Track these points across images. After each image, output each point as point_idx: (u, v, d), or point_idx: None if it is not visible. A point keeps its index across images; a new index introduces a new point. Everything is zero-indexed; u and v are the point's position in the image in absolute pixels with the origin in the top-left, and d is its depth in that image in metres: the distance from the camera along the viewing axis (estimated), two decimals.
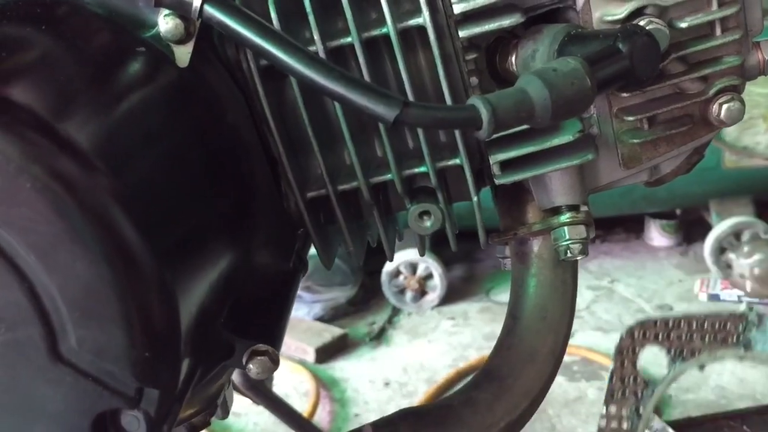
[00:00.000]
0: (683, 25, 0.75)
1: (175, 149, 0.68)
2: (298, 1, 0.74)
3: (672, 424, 1.46)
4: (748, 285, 3.54)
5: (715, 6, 0.75)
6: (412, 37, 0.77)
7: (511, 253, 0.91)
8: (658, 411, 1.42)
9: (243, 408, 2.82)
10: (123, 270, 0.56)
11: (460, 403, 0.87)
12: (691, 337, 1.43)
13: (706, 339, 1.42)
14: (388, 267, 3.82)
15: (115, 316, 0.56)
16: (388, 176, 0.80)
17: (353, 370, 3.44)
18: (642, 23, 0.73)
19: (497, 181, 0.81)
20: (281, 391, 2.76)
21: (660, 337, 1.44)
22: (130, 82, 0.68)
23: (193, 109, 0.72)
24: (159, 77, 0.70)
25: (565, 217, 0.82)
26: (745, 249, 3.57)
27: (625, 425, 1.46)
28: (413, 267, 3.87)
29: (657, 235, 4.30)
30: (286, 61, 0.63)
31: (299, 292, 0.94)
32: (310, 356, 3.49)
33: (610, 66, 0.67)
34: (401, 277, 3.89)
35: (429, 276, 3.89)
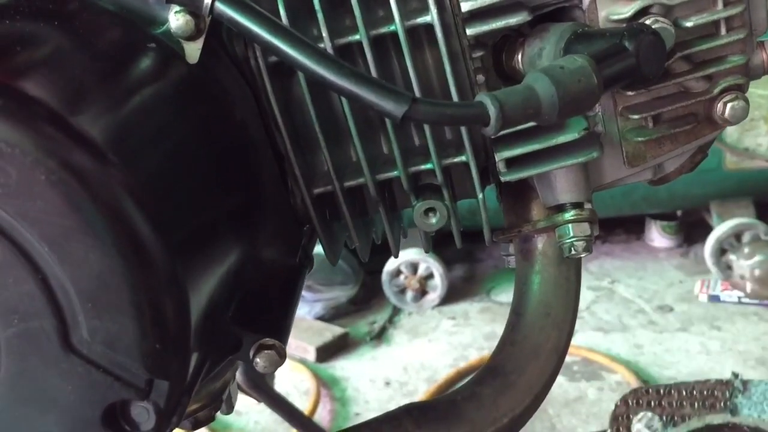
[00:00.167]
0: (688, 24, 0.76)
1: (185, 144, 0.69)
2: None
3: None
4: (749, 286, 3.54)
5: (720, 5, 0.76)
6: (420, 35, 0.78)
7: (516, 251, 0.92)
8: None
9: (244, 406, 2.83)
10: (135, 262, 0.57)
11: (464, 399, 0.87)
12: (681, 404, 1.51)
13: (695, 405, 1.50)
14: (389, 266, 3.83)
15: (126, 307, 0.57)
16: (395, 173, 0.80)
17: (354, 369, 3.45)
18: (648, 22, 0.73)
19: (503, 178, 0.81)
20: (282, 389, 2.76)
21: (652, 404, 1.52)
22: (141, 77, 0.69)
23: (202, 105, 0.73)
24: (169, 73, 0.71)
25: (569, 215, 0.83)
26: (746, 250, 3.57)
27: None
28: (414, 267, 3.87)
29: (657, 236, 4.31)
30: (296, 58, 0.64)
31: None
32: (311, 355, 3.50)
33: (617, 64, 0.68)
34: (402, 277, 3.90)
35: (430, 276, 3.89)
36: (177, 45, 0.71)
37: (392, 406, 0.88)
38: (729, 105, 0.79)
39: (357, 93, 0.63)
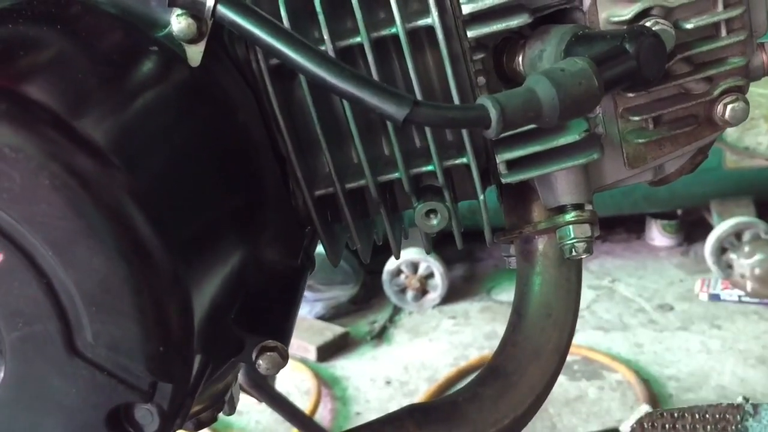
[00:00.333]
0: (689, 26, 0.76)
1: (188, 147, 0.69)
2: (308, 1, 0.75)
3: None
4: (749, 285, 3.54)
5: (720, 7, 0.76)
6: (421, 37, 0.78)
7: (517, 252, 0.92)
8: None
9: (245, 406, 2.83)
10: (138, 265, 0.57)
11: (466, 400, 0.88)
12: (694, 427, 1.55)
13: (708, 428, 1.54)
14: (390, 266, 3.83)
15: (130, 310, 0.57)
16: (396, 175, 0.81)
17: (354, 369, 3.45)
18: (648, 24, 0.73)
19: (504, 180, 0.81)
20: (283, 389, 2.76)
21: (667, 427, 1.56)
22: (144, 80, 0.69)
23: (204, 108, 0.73)
24: (171, 76, 0.71)
25: (570, 216, 0.83)
26: (746, 249, 3.57)
27: None
28: (414, 266, 3.87)
29: (658, 235, 4.31)
30: (297, 61, 0.64)
31: None
32: (312, 355, 3.50)
33: (617, 66, 0.68)
34: (402, 276, 3.90)
35: (430, 275, 3.89)
36: (179, 48, 0.71)
37: (393, 406, 0.88)
38: (729, 106, 0.79)
39: (358, 96, 0.63)
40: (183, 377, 0.62)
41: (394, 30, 0.76)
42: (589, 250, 0.83)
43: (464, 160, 0.80)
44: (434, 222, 0.82)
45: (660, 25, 0.73)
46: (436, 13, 0.75)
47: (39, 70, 0.61)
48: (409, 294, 3.91)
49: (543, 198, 0.85)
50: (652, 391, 3.02)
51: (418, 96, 0.77)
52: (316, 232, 0.85)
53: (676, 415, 1.53)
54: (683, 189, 3.66)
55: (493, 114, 0.62)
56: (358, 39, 0.76)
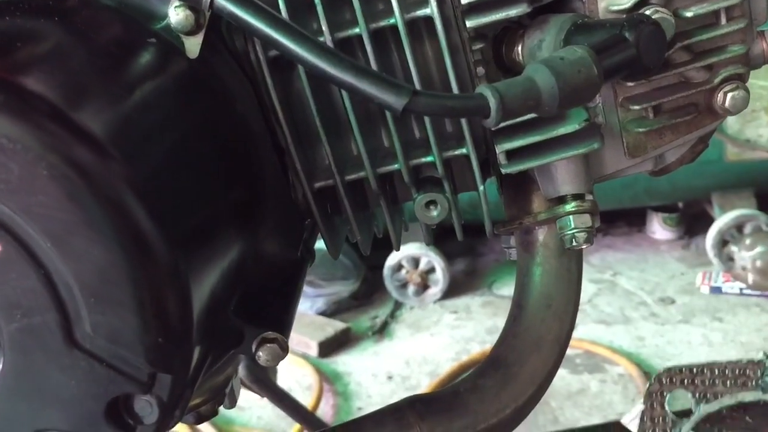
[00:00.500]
0: (689, 14, 0.76)
1: (187, 138, 0.69)
2: None
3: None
4: (750, 277, 3.55)
5: None
6: (419, 28, 0.77)
7: (517, 243, 0.92)
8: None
9: (247, 402, 2.84)
10: (137, 256, 0.57)
11: (467, 391, 0.88)
12: (713, 382, 1.57)
13: (728, 384, 1.55)
14: (391, 261, 3.83)
15: (129, 302, 0.57)
16: (395, 166, 0.81)
17: (356, 364, 3.46)
18: (648, 12, 0.73)
19: (503, 171, 0.81)
20: (284, 385, 2.77)
21: (686, 382, 1.57)
22: (142, 72, 0.69)
23: (203, 100, 0.73)
24: (169, 68, 0.71)
25: (570, 206, 0.83)
26: (747, 241, 3.58)
27: None
28: (416, 261, 3.88)
29: (659, 228, 4.31)
30: (296, 52, 0.64)
31: None
32: (313, 350, 3.51)
33: (617, 54, 0.68)
34: (403, 271, 3.90)
35: (431, 270, 3.90)
36: (177, 40, 0.71)
37: (394, 400, 0.88)
38: (729, 95, 0.79)
39: (357, 86, 0.63)
40: (182, 368, 0.62)
41: (392, 21, 0.76)
42: (589, 240, 0.83)
43: (464, 150, 0.80)
44: (434, 213, 0.82)
45: (660, 14, 0.73)
46: (435, 4, 0.75)
47: (37, 61, 0.61)
48: (411, 289, 3.91)
49: (543, 188, 0.85)
50: None
51: (418, 87, 0.77)
52: (315, 225, 0.85)
53: (695, 370, 1.55)
54: (684, 182, 3.66)
55: (493, 103, 0.62)
56: (357, 30, 0.76)
